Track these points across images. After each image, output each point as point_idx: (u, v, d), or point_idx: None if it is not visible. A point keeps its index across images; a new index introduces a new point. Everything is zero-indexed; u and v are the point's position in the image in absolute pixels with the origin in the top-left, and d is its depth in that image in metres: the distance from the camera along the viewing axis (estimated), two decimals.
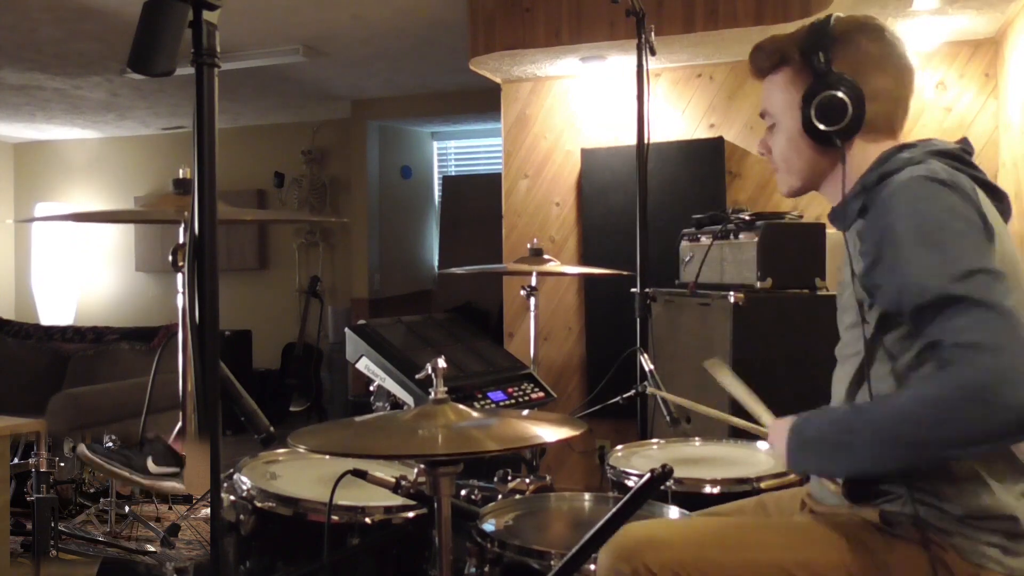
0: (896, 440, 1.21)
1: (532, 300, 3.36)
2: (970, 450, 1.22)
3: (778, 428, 1.42)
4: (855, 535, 1.35)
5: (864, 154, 1.44)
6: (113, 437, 3.77)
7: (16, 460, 3.13)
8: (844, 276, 1.47)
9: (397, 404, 2.87)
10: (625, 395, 2.55)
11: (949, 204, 1.25)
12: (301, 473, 1.93)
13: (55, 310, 7.84)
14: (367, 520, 1.65)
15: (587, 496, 1.73)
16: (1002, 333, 1.14)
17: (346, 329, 3.03)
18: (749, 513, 1.64)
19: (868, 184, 1.38)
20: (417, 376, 1.59)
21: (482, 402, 2.89)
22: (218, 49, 1.20)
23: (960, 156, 1.37)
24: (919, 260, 1.23)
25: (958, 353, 1.15)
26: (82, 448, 3.20)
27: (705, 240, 3.34)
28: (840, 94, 1.39)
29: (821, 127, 1.41)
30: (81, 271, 7.94)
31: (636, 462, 2.06)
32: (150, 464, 3.25)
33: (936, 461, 1.28)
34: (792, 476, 1.89)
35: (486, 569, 1.44)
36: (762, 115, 1.56)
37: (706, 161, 4.25)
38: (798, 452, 1.35)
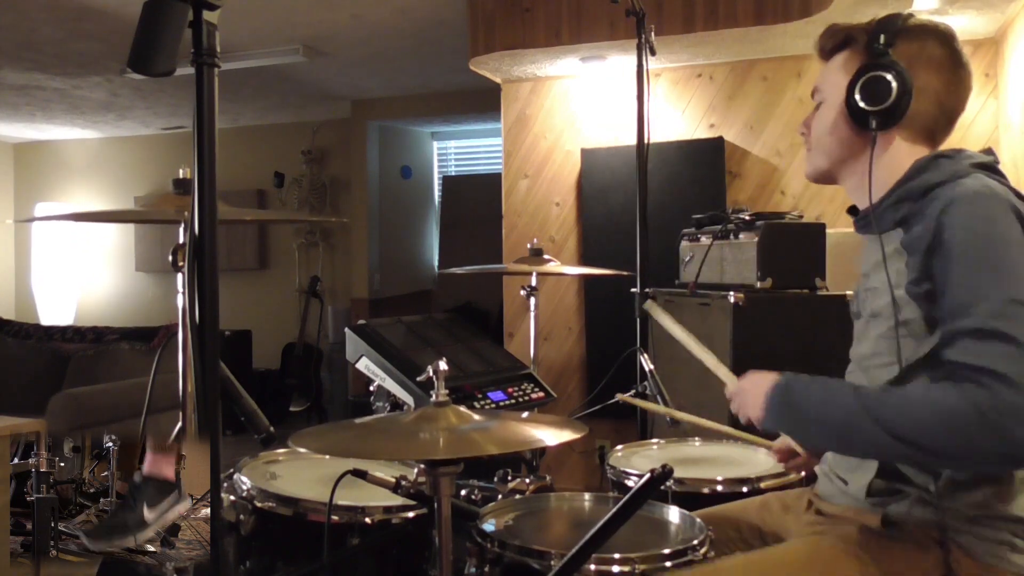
0: (897, 439, 1.21)
1: (532, 300, 3.36)
2: (964, 467, 1.26)
3: (757, 380, 1.42)
4: (850, 548, 1.35)
5: (898, 153, 1.42)
6: (113, 437, 3.78)
7: (16, 460, 3.13)
8: (872, 283, 1.44)
9: (397, 404, 2.87)
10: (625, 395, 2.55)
11: (1006, 226, 1.25)
12: (301, 473, 1.93)
13: (55, 310, 7.85)
14: (367, 520, 1.65)
15: (587, 496, 1.73)
16: None
17: (346, 329, 3.03)
18: (755, 512, 1.65)
19: (912, 194, 1.37)
20: (418, 378, 1.59)
21: (482, 402, 2.89)
22: (218, 49, 1.20)
23: (996, 169, 1.37)
24: (968, 285, 1.23)
25: (983, 377, 1.17)
26: (83, 540, 3.22)
27: (705, 240, 3.34)
28: (889, 77, 1.38)
29: (862, 105, 1.40)
30: (81, 271, 7.94)
31: (636, 462, 2.06)
32: (146, 513, 3.25)
33: (926, 467, 1.30)
34: (792, 476, 1.89)
35: (486, 569, 1.44)
36: (813, 94, 1.54)
37: (706, 161, 4.25)
38: (778, 410, 1.36)
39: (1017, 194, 1.34)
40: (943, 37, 1.44)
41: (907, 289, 1.32)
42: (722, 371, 1.66)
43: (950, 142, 1.47)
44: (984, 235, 1.25)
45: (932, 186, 1.34)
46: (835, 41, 1.49)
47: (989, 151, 1.41)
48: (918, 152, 1.42)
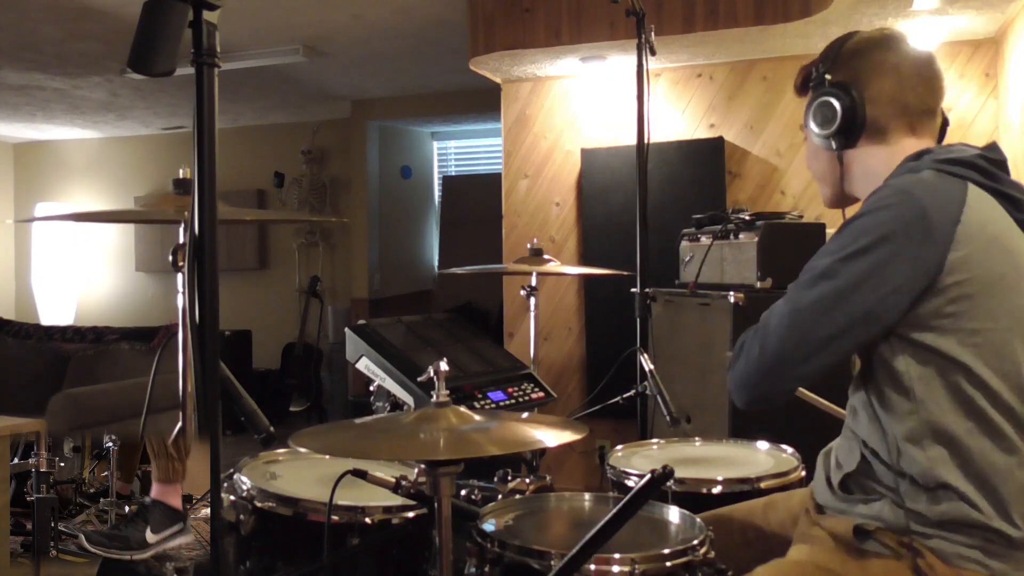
0: None
1: (532, 300, 3.36)
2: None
3: None
4: (827, 569, 1.36)
5: (877, 156, 1.47)
6: (113, 437, 3.77)
7: (16, 460, 3.12)
8: None
9: (397, 404, 2.87)
10: (625, 395, 2.55)
11: (892, 216, 1.31)
12: (301, 473, 1.93)
13: (55, 310, 7.85)
14: (367, 520, 1.65)
15: (587, 496, 1.73)
16: (781, 325, 1.41)
17: (346, 329, 3.03)
18: (759, 513, 1.65)
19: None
20: (419, 379, 1.59)
21: (482, 402, 2.89)
22: (218, 49, 1.20)
23: (974, 164, 1.37)
24: (823, 250, 1.42)
25: (762, 321, 1.46)
26: (81, 540, 3.22)
27: (705, 240, 3.34)
28: (831, 100, 1.46)
29: (816, 131, 1.49)
30: (81, 271, 7.94)
31: (636, 462, 2.06)
32: (148, 535, 3.26)
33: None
34: (792, 476, 1.89)
35: (486, 569, 1.44)
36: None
37: (706, 161, 4.25)
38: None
39: (995, 191, 1.36)
40: (884, 43, 1.48)
41: None
42: None
43: (950, 139, 1.47)
44: (858, 222, 1.35)
45: (885, 182, 1.41)
46: (801, 80, 1.59)
47: (989, 146, 1.42)
48: (903, 148, 1.45)
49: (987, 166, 1.37)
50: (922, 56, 1.48)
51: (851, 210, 1.49)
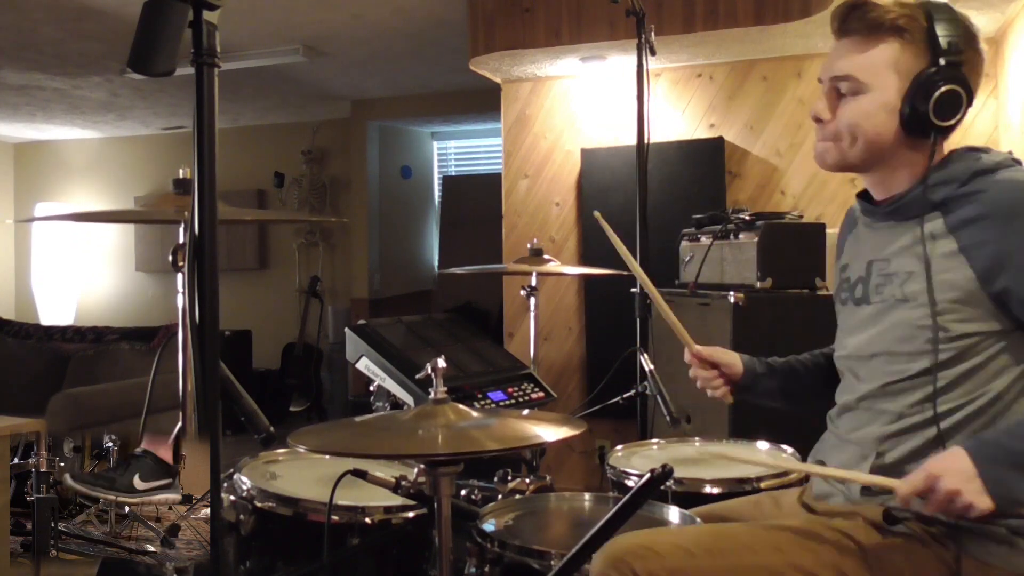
0: None
1: (532, 300, 3.36)
2: None
3: (945, 468, 1.23)
4: (850, 535, 1.34)
5: (924, 148, 1.39)
6: (113, 437, 3.78)
7: (16, 460, 3.13)
8: (894, 268, 1.41)
9: (397, 404, 2.87)
10: (625, 395, 2.55)
11: None
12: (301, 473, 1.93)
13: (55, 310, 7.84)
14: (367, 520, 1.65)
15: (587, 496, 1.73)
16: None
17: (346, 329, 3.03)
18: (748, 511, 1.64)
19: (954, 178, 1.35)
20: (417, 376, 1.59)
21: (482, 402, 2.89)
22: (218, 49, 1.20)
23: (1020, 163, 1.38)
24: None
25: None
26: (67, 479, 3.20)
27: (705, 240, 3.34)
28: (962, 93, 1.35)
29: (933, 119, 1.35)
30: (81, 271, 7.94)
31: (636, 462, 2.06)
32: (136, 481, 3.22)
33: None
34: (792, 476, 1.89)
35: (486, 569, 1.44)
36: (838, 78, 1.42)
37: (706, 161, 4.25)
38: (1011, 476, 1.21)
39: None
40: (978, 40, 1.41)
41: (977, 278, 1.31)
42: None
43: (950, 142, 1.46)
44: None
45: (977, 172, 1.34)
46: (874, 26, 1.38)
47: (1008, 154, 1.42)
48: (943, 150, 1.43)
49: None
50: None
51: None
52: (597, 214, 1.83)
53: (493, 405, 2.91)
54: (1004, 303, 1.30)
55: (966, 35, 1.37)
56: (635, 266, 1.76)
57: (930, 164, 1.38)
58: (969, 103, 1.36)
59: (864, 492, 1.40)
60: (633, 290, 2.80)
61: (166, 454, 3.34)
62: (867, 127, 1.40)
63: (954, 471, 1.20)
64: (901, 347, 1.38)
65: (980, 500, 1.19)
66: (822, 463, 1.53)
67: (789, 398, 1.76)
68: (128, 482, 3.19)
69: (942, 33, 1.35)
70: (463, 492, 1.81)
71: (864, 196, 1.53)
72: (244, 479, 1.77)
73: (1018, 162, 1.38)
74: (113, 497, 3.13)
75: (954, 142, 1.45)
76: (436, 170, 7.39)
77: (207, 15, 1.17)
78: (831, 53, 1.45)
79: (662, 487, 1.29)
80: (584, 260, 4.49)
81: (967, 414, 1.33)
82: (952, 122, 1.36)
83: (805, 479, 1.77)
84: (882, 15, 1.37)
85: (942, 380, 1.33)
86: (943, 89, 1.34)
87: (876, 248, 1.47)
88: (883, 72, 1.38)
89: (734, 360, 1.73)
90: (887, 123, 1.39)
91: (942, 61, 1.35)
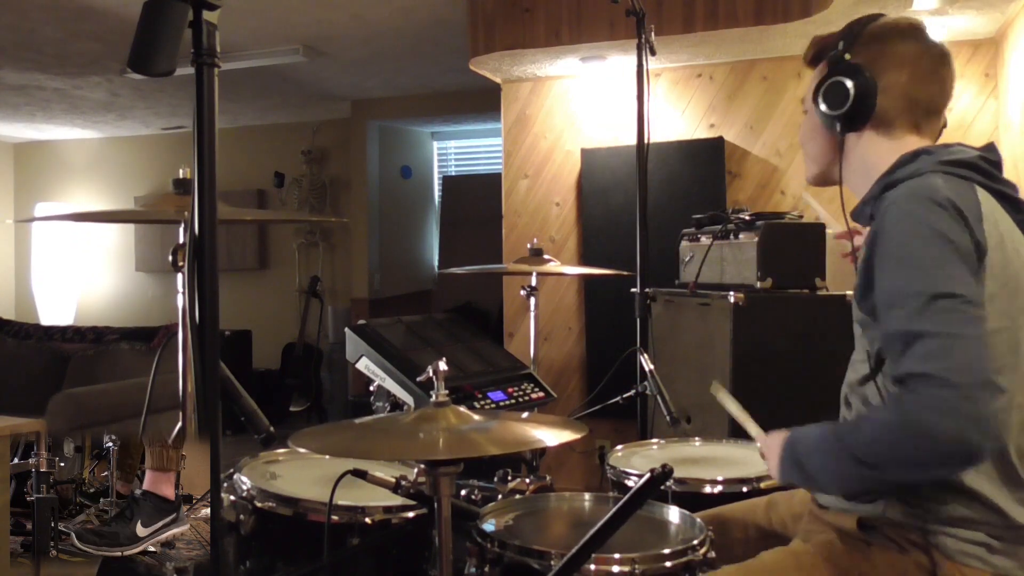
0: (860, 463, 1.22)
1: (532, 300, 3.36)
2: (920, 477, 1.23)
3: (772, 441, 1.44)
4: (826, 555, 1.37)
5: (878, 148, 1.45)
6: (113, 437, 3.77)
7: (16, 460, 3.12)
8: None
9: (397, 404, 2.87)
10: (625, 395, 2.55)
11: (933, 226, 1.25)
12: (301, 473, 1.93)
13: (55, 310, 7.84)
14: (367, 520, 1.65)
15: (587, 496, 1.73)
16: (953, 365, 1.15)
17: (346, 329, 3.03)
18: (758, 513, 1.65)
19: (875, 191, 1.40)
20: (418, 379, 1.59)
21: (482, 402, 2.89)
22: (218, 49, 1.20)
23: (977, 166, 1.36)
24: (890, 286, 1.26)
25: (910, 382, 1.18)
26: (72, 539, 3.22)
27: (705, 240, 3.34)
28: (846, 81, 1.42)
29: (824, 110, 1.45)
30: (81, 271, 7.94)
31: (636, 462, 2.06)
32: (139, 530, 3.24)
33: (892, 485, 1.31)
34: None
35: (486, 569, 1.44)
36: (803, 103, 1.60)
37: (706, 161, 4.25)
38: (788, 467, 1.38)
39: (999, 192, 1.36)
40: (908, 33, 1.46)
41: (855, 297, 1.38)
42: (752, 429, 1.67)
43: (950, 139, 1.47)
44: (909, 234, 1.27)
45: (892, 184, 1.37)
46: (814, 51, 1.55)
47: (987, 147, 1.42)
48: (905, 144, 1.44)
49: (988, 168, 1.37)
50: (941, 53, 1.46)
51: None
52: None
53: (493, 405, 2.91)
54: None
55: (871, 34, 1.45)
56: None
57: (841, 154, 1.48)
58: (864, 90, 1.42)
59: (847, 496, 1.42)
60: (633, 290, 2.80)
61: (167, 489, 3.35)
62: (806, 138, 1.57)
63: (771, 443, 1.44)
64: (858, 361, 1.46)
65: (774, 472, 1.42)
66: None
67: None
68: (131, 533, 3.22)
69: (841, 40, 1.47)
70: (463, 492, 1.81)
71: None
72: (244, 479, 1.77)
73: (961, 163, 1.36)
74: (119, 553, 3.17)
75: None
76: (436, 170, 7.39)
77: (207, 15, 1.17)
78: None
79: (662, 487, 1.29)
80: (584, 260, 4.49)
81: None
82: (843, 109, 1.43)
83: None
84: (815, 41, 1.55)
85: (881, 390, 1.36)
86: (827, 83, 1.45)
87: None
88: (811, 87, 1.52)
89: None
90: (816, 130, 1.53)
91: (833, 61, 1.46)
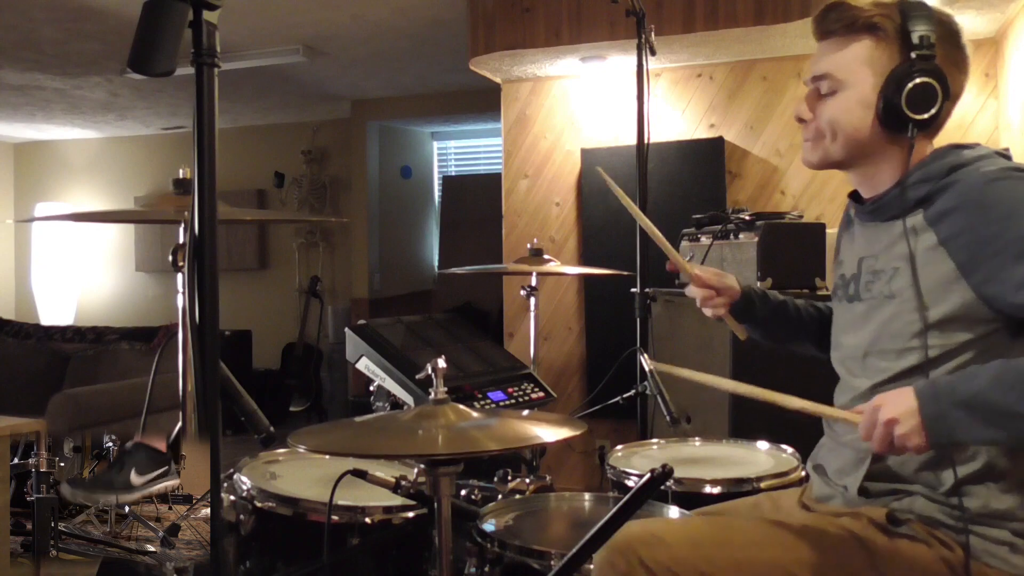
0: None
1: (532, 300, 3.36)
2: None
3: (891, 404, 1.23)
4: (857, 534, 1.34)
5: (915, 148, 1.40)
6: (113, 437, 3.77)
7: (16, 460, 3.13)
8: (881, 264, 1.41)
9: (397, 404, 2.87)
10: (625, 395, 2.55)
11: None
12: (301, 473, 1.93)
13: (55, 310, 7.84)
14: (367, 520, 1.65)
15: (587, 496, 1.73)
16: None
17: (346, 329, 3.03)
18: (747, 512, 1.64)
19: (933, 174, 1.35)
20: (417, 376, 1.59)
21: (482, 402, 2.89)
22: (218, 49, 1.20)
23: (1009, 158, 1.37)
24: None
25: None
26: (64, 487, 3.20)
27: (705, 240, 3.34)
28: (936, 85, 1.35)
29: (907, 112, 1.36)
30: (81, 271, 7.94)
31: (636, 462, 2.06)
32: (133, 477, 3.22)
33: None
34: (792, 476, 1.89)
35: (486, 569, 1.44)
36: (818, 78, 1.44)
37: (706, 161, 4.25)
38: (941, 424, 1.20)
39: None
40: (961, 34, 1.42)
41: (960, 272, 1.29)
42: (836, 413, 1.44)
43: (950, 139, 1.47)
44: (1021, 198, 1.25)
45: (955, 166, 1.34)
46: (852, 25, 1.40)
47: (1005, 150, 1.42)
48: (926, 144, 1.43)
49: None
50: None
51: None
52: (599, 169, 1.84)
53: (493, 405, 2.91)
54: (985, 295, 1.29)
55: (941, 31, 1.37)
56: (635, 210, 1.78)
57: (909, 158, 1.39)
58: (947, 97, 1.36)
59: (861, 494, 1.40)
60: (633, 290, 2.80)
61: (159, 444, 3.33)
62: (845, 123, 1.42)
63: (896, 403, 1.22)
64: (890, 344, 1.38)
65: (915, 436, 1.20)
66: (820, 467, 1.53)
67: (773, 333, 1.79)
68: (125, 479, 3.19)
69: (915, 29, 1.35)
70: (463, 492, 1.81)
71: (855, 196, 1.54)
72: (244, 479, 1.77)
73: (1003, 155, 1.36)
74: (114, 498, 3.12)
75: (954, 141, 1.45)
76: (436, 170, 7.39)
77: (207, 15, 1.17)
78: (813, 55, 1.47)
79: (662, 487, 1.28)
80: (584, 260, 4.49)
81: None
82: (927, 115, 1.36)
83: (806, 479, 1.77)
84: (857, 14, 1.39)
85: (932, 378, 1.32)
86: (915, 82, 1.35)
87: (866, 246, 1.47)
88: (858, 69, 1.40)
89: (732, 283, 1.72)
90: (864, 118, 1.40)
91: (914, 55, 1.35)
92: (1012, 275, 1.24)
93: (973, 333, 1.31)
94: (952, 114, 1.44)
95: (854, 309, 1.48)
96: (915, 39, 1.35)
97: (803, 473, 1.91)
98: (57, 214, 4.05)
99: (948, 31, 1.39)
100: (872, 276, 1.43)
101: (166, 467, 3.29)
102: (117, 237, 7.87)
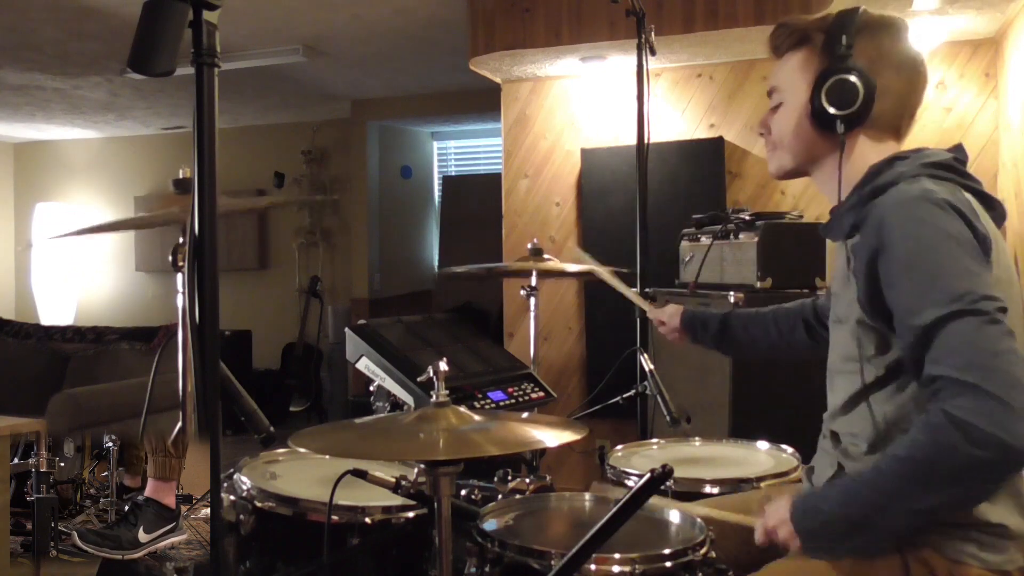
0: (911, 498, 1.20)
1: (532, 300, 3.36)
2: (990, 481, 1.19)
3: (776, 510, 1.37)
4: (834, 563, 1.35)
5: (863, 152, 1.44)
6: (113, 437, 3.78)
7: (16, 460, 3.13)
8: (836, 287, 1.49)
9: (397, 404, 2.87)
10: (625, 395, 2.55)
11: (943, 227, 1.25)
12: (301, 473, 1.93)
13: (55, 310, 7.85)
14: (367, 520, 1.65)
15: (587, 496, 1.73)
16: (988, 356, 1.15)
17: (346, 329, 3.02)
18: (754, 507, 1.65)
19: (862, 199, 1.38)
20: (419, 379, 1.59)
21: (482, 402, 2.88)
22: (218, 49, 1.20)
23: (954, 167, 1.36)
24: (912, 288, 1.24)
25: (949, 383, 1.16)
26: (74, 538, 3.24)
27: (705, 240, 3.34)
28: (854, 79, 1.39)
29: (830, 109, 1.41)
30: (81, 271, 7.94)
31: (636, 462, 2.06)
32: (141, 535, 3.26)
33: (965, 505, 1.26)
34: (793, 476, 1.89)
35: (486, 569, 1.44)
36: (769, 93, 1.54)
37: (706, 161, 4.25)
38: (811, 539, 1.31)
39: (975, 191, 1.35)
40: (900, 33, 1.44)
41: (859, 301, 1.34)
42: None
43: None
44: (916, 238, 1.25)
45: (877, 190, 1.36)
46: (791, 40, 1.49)
47: (955, 148, 1.42)
48: (884, 149, 1.44)
49: (961, 168, 1.38)
50: (921, 56, 1.46)
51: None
52: (577, 250, 2.07)
53: (493, 405, 2.91)
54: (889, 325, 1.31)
55: (866, 28, 1.42)
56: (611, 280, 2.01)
57: (840, 157, 1.43)
58: (869, 92, 1.39)
59: None
60: (633, 290, 2.80)
61: (168, 498, 3.37)
62: (788, 131, 1.49)
63: (775, 515, 1.36)
64: (843, 367, 1.43)
65: (792, 542, 1.33)
66: (811, 470, 1.56)
67: (727, 348, 2.03)
68: (133, 537, 3.24)
69: (840, 32, 1.41)
70: (463, 492, 1.81)
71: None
72: (244, 479, 1.77)
73: (941, 164, 1.36)
74: (120, 556, 3.19)
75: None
76: (436, 170, 7.39)
77: (207, 15, 1.17)
78: None
79: (662, 487, 1.28)
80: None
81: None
82: (851, 111, 1.39)
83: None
84: (794, 28, 1.49)
85: (874, 402, 1.36)
86: (832, 79, 1.40)
87: (835, 266, 1.53)
88: (795, 78, 1.47)
89: (674, 316, 2.08)
90: (802, 124, 1.46)
91: (836, 56, 1.41)
92: (899, 305, 1.26)
93: (900, 356, 1.32)
94: (913, 111, 1.46)
95: (832, 328, 1.52)
96: (840, 40, 1.41)
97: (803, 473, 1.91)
98: (75, 229, 3.93)
99: (878, 29, 1.43)
100: (834, 297, 1.51)
101: (174, 523, 3.35)
102: (117, 237, 7.87)
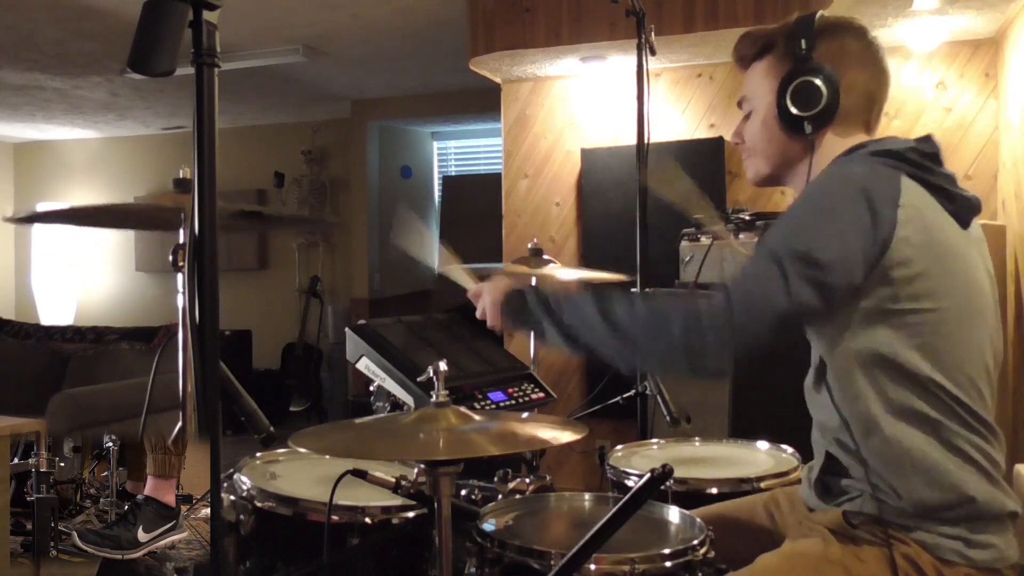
0: (610, 325, 1.38)
1: None
2: (651, 360, 1.51)
3: (496, 285, 1.60)
4: (823, 555, 1.37)
5: (833, 149, 1.46)
6: (113, 437, 3.78)
7: (16, 460, 3.13)
8: None
9: (397, 404, 2.87)
10: (625, 395, 2.55)
11: (838, 205, 1.30)
12: (301, 473, 1.93)
13: (55, 310, 7.85)
14: (367, 520, 1.65)
15: (587, 496, 1.73)
16: (755, 302, 1.29)
17: (346, 329, 3.02)
18: (761, 511, 1.65)
19: None
20: (419, 379, 1.60)
21: (482, 402, 2.88)
22: (218, 49, 1.19)
23: (904, 156, 1.36)
24: (778, 226, 1.34)
25: (721, 288, 1.32)
26: (74, 538, 3.24)
27: (705, 240, 3.34)
28: (817, 81, 1.42)
29: (794, 111, 1.44)
30: (81, 271, 7.94)
31: (636, 462, 2.06)
32: (140, 535, 3.27)
33: (625, 361, 1.47)
34: (792, 475, 1.89)
35: (486, 569, 1.44)
36: (740, 103, 1.57)
37: (706, 161, 4.25)
38: (517, 311, 1.53)
39: (929, 184, 1.36)
40: (858, 31, 1.47)
41: None
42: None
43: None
44: (810, 200, 1.35)
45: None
46: (755, 48, 1.53)
47: (923, 139, 1.42)
48: (853, 143, 1.46)
49: (918, 158, 1.37)
50: (884, 51, 1.48)
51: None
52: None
53: (493, 405, 2.90)
54: None
55: (826, 30, 1.45)
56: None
57: (812, 158, 1.47)
58: (833, 90, 1.42)
59: (818, 492, 1.46)
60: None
61: (168, 496, 3.37)
62: (760, 138, 1.52)
63: (493, 286, 1.61)
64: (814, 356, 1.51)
65: (494, 317, 1.60)
66: (811, 469, 1.56)
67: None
68: (133, 537, 3.25)
69: (800, 36, 1.45)
70: (463, 492, 1.81)
71: None
72: (244, 479, 1.77)
73: (886, 152, 1.37)
74: (120, 556, 3.20)
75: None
76: (436, 170, 7.39)
77: (207, 15, 1.17)
78: None
79: (662, 487, 1.28)
80: (584, 260, 4.49)
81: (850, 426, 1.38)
82: (816, 111, 1.42)
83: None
84: (757, 37, 1.53)
85: (832, 386, 1.45)
86: (796, 82, 1.44)
87: None
88: (762, 85, 1.51)
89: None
90: (772, 130, 1.50)
91: (797, 60, 1.45)
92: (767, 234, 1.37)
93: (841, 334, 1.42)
94: (881, 103, 1.49)
95: None
96: (801, 44, 1.44)
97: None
98: (54, 211, 3.97)
99: (837, 29, 1.46)
100: None
101: (173, 522, 3.36)
102: (117, 237, 7.88)
